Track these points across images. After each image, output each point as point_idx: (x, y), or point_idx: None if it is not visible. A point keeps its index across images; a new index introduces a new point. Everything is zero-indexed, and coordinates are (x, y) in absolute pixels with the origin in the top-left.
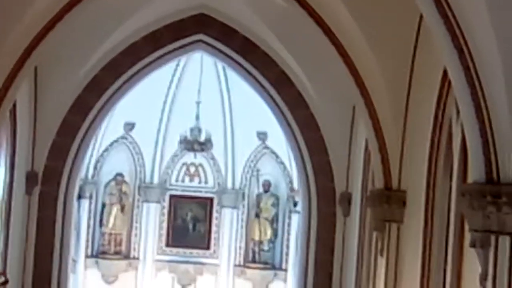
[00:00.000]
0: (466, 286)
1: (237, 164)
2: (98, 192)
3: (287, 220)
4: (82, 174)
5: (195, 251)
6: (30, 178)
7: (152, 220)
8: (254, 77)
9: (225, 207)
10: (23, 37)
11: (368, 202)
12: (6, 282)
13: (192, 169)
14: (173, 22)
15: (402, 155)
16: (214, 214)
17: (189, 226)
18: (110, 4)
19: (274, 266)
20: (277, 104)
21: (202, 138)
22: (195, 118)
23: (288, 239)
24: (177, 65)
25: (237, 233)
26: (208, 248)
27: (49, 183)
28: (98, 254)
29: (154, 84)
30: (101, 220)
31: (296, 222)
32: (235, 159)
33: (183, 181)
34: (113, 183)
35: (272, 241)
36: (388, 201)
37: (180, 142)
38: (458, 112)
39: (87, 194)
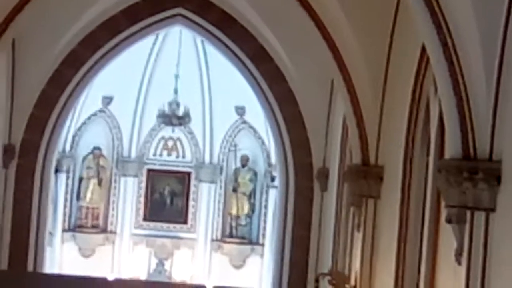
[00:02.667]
0: (441, 261)
1: (215, 138)
2: (75, 165)
3: (264, 195)
4: (59, 147)
5: (172, 225)
6: (7, 151)
7: (129, 194)
8: (233, 52)
9: (203, 181)
10: (0, 9)
11: (345, 177)
12: None
13: (170, 143)
14: None
15: (379, 130)
16: (192, 189)
17: (166, 200)
18: None
19: (251, 241)
20: (255, 79)
21: (180, 112)
22: (173, 92)
23: (265, 214)
24: (156, 39)
25: (215, 207)
26: (185, 222)
27: (26, 157)
28: (75, 227)
29: (133, 58)
30: (78, 194)
31: (273, 197)
32: (213, 134)
33: (161, 155)
34: (90, 156)
35: (249, 216)
36: (365, 176)
37: (158, 116)
38: (435, 88)
39: (65, 168)
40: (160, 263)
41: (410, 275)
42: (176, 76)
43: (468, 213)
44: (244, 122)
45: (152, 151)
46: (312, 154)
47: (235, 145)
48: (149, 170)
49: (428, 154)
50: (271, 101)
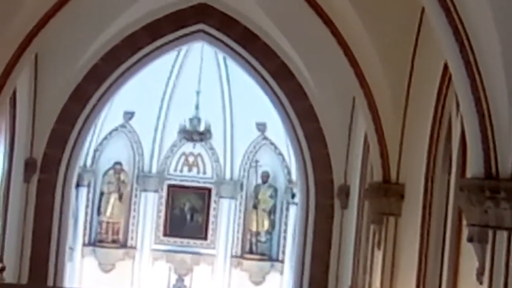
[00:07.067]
0: (462, 281)
1: (235, 154)
2: (96, 180)
3: (284, 212)
4: (80, 162)
5: (192, 241)
6: (29, 165)
7: (150, 209)
8: (254, 68)
9: (223, 197)
10: (24, 24)
11: (366, 195)
12: (3, 269)
13: (191, 159)
14: (174, 11)
15: (401, 148)
16: (212, 205)
17: (186, 216)
18: None
19: (271, 257)
20: (276, 95)
21: (201, 128)
22: (194, 108)
23: (285, 231)
24: (178, 54)
25: (235, 224)
26: (205, 238)
27: (47, 171)
28: (95, 242)
29: (154, 74)
30: (99, 209)
31: (293, 213)
32: (234, 150)
33: (181, 171)
34: (111, 171)
35: (269, 233)
36: (386, 194)
37: (179, 131)
38: (458, 106)
39: (86, 182)
40: (180, 278)
41: None
42: (198, 92)
43: (490, 232)
44: (265, 138)
45: (173, 166)
46: (333, 171)
47: (256, 162)
48: (169, 186)
49: (449, 172)
50: (292, 117)
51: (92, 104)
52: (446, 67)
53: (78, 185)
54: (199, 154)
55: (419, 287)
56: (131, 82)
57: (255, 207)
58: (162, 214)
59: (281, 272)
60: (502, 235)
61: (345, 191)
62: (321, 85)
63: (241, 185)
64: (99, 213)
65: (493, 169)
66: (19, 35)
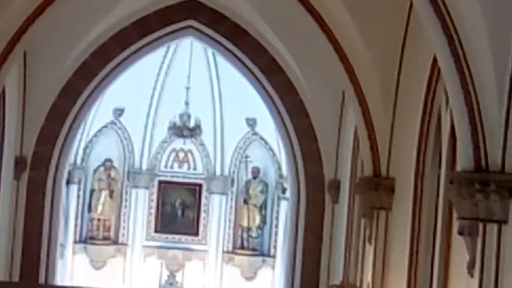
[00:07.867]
0: (454, 274)
1: (226, 150)
2: (86, 177)
3: (275, 207)
4: (71, 159)
5: (183, 237)
6: (19, 163)
7: (140, 206)
8: (244, 64)
9: (214, 193)
10: (13, 21)
11: (356, 189)
12: None
13: (181, 155)
14: (163, 8)
15: (391, 142)
16: (203, 200)
17: (177, 212)
18: None
19: (262, 252)
20: (266, 91)
21: (191, 124)
22: (184, 104)
23: (276, 226)
24: (167, 51)
25: (226, 219)
26: (196, 234)
27: (37, 169)
28: (86, 239)
29: (144, 70)
30: (89, 206)
31: (284, 208)
32: (224, 145)
33: (172, 167)
34: (102, 168)
35: (260, 228)
36: (376, 188)
37: (169, 128)
38: (447, 99)
39: (76, 180)
40: (172, 275)
41: (423, 287)
42: (187, 88)
43: (481, 225)
44: (255, 134)
45: (163, 163)
46: (323, 166)
47: (246, 157)
48: (160, 182)
49: (439, 166)
50: (282, 113)
51: (82, 101)
52: (435, 61)
53: (68, 182)
54: (190, 150)
55: (411, 281)
56: (121, 78)
57: (246, 202)
58: (153, 210)
59: (273, 267)
60: (493, 228)
61: (335, 186)
62: (311, 80)
63: (232, 180)
64: (90, 210)
65: (483, 162)
66: (8, 32)
